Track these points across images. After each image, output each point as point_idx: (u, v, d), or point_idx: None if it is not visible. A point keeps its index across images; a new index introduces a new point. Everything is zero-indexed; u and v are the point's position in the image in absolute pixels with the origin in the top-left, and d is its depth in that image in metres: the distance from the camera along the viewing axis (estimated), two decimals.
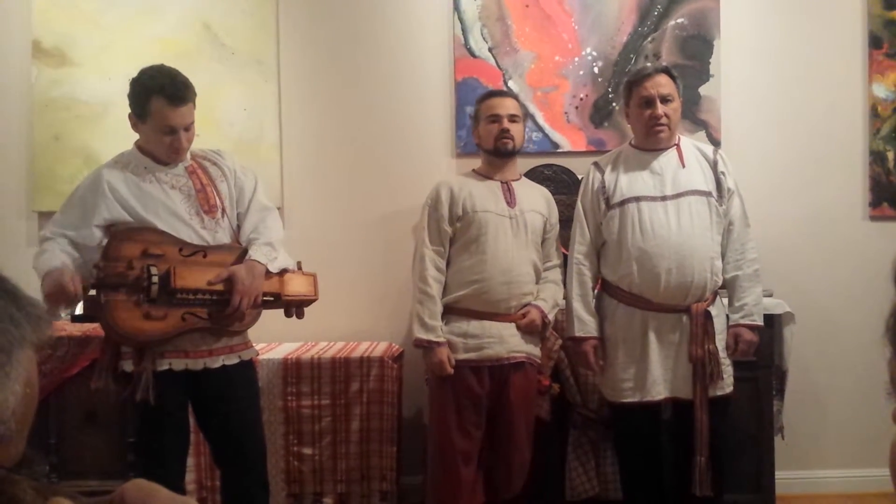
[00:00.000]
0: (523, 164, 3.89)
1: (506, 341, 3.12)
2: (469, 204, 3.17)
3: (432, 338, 3.10)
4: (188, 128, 2.71)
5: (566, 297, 3.20)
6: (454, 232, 3.18)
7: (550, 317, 3.22)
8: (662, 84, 3.05)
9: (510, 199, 3.22)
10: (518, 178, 3.33)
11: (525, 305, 3.17)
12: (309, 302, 2.89)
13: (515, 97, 3.40)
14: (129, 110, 2.72)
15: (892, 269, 0.80)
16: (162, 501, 0.83)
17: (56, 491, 0.82)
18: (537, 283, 3.23)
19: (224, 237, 2.77)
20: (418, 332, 3.12)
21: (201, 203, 2.73)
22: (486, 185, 3.25)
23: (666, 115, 3.05)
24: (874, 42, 4.04)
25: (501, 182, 3.25)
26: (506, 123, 3.20)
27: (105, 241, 2.63)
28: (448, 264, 3.19)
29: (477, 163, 3.40)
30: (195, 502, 0.82)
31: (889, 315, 0.78)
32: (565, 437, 3.52)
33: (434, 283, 3.13)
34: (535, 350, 3.21)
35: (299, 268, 2.90)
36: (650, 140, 3.11)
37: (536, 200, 3.29)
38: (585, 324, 3.10)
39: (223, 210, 2.78)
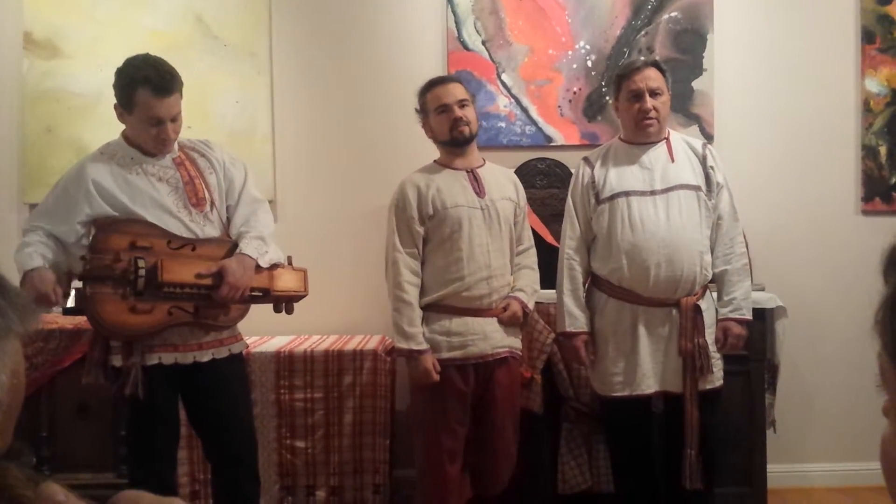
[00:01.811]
0: (516, 157, 3.90)
1: (489, 337, 3.06)
2: (438, 201, 3.06)
3: (413, 346, 2.99)
4: (175, 118, 2.66)
5: (557, 292, 3.17)
6: (426, 231, 3.07)
7: (531, 305, 3.16)
8: (652, 77, 3.04)
9: (479, 189, 3.10)
10: (482, 164, 3.20)
11: (505, 297, 3.11)
12: (298, 298, 2.86)
13: (460, 80, 3.26)
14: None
15: (882, 261, 0.80)
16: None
17: (46, 479, 0.82)
18: (513, 271, 3.17)
19: (213, 231, 2.73)
20: (398, 342, 3.04)
21: (189, 196, 2.70)
22: (452, 175, 3.12)
23: (655, 109, 3.04)
24: (867, 37, 4.04)
25: (467, 171, 3.14)
26: (457, 112, 3.07)
27: (86, 237, 2.60)
28: (423, 264, 3.09)
29: None
30: (181, 501, 0.82)
31: (878, 308, 0.78)
32: (558, 430, 3.53)
33: (410, 288, 3.03)
34: (516, 343, 3.16)
35: (290, 263, 2.88)
36: (639, 134, 3.11)
37: (505, 186, 3.19)
38: (576, 319, 3.09)
39: (212, 203, 2.75)
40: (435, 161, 3.22)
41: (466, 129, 3.09)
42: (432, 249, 3.08)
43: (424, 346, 3.01)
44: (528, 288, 3.17)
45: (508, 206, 3.15)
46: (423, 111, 3.17)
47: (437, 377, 2.99)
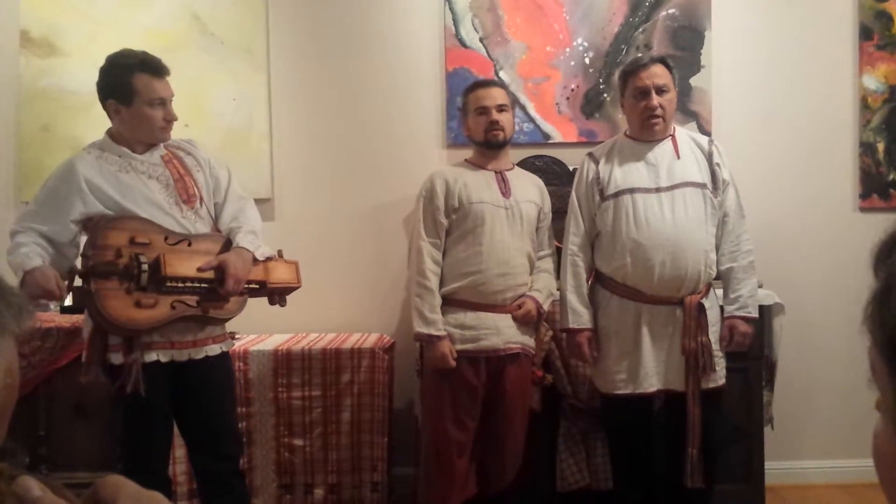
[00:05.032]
0: (514, 155, 3.88)
1: (502, 332, 3.12)
2: (465, 195, 3.16)
3: (433, 332, 3.08)
4: (170, 103, 2.73)
5: (560, 289, 3.18)
6: (450, 223, 3.18)
7: (546, 307, 3.22)
8: (658, 74, 3.03)
9: (505, 190, 3.20)
10: (511, 168, 3.33)
11: (520, 296, 3.17)
12: (292, 289, 2.91)
13: (503, 85, 3.37)
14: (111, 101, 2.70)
15: (871, 256, 0.79)
16: (128, 494, 0.82)
17: (22, 473, 0.81)
18: (531, 273, 3.23)
19: (203, 227, 2.77)
20: (419, 327, 3.11)
21: (180, 193, 2.73)
22: (481, 175, 3.23)
23: (661, 106, 3.03)
24: (865, 33, 4.04)
25: (495, 172, 3.24)
26: (494, 115, 3.18)
27: (79, 235, 2.62)
28: (444, 255, 3.19)
29: (468, 153, 3.39)
30: (160, 496, 0.82)
31: (867, 303, 0.77)
32: (556, 427, 3.52)
33: (432, 276, 3.13)
34: (530, 341, 3.21)
35: (280, 256, 2.92)
36: (645, 131, 3.09)
37: (530, 190, 3.28)
38: (580, 315, 3.09)
39: (201, 199, 2.78)
40: (466, 160, 3.33)
41: (500, 134, 3.21)
42: (454, 242, 3.17)
43: (443, 332, 3.10)
44: (545, 290, 3.23)
45: (532, 209, 3.24)
46: (464, 110, 3.29)
47: (453, 363, 3.08)
